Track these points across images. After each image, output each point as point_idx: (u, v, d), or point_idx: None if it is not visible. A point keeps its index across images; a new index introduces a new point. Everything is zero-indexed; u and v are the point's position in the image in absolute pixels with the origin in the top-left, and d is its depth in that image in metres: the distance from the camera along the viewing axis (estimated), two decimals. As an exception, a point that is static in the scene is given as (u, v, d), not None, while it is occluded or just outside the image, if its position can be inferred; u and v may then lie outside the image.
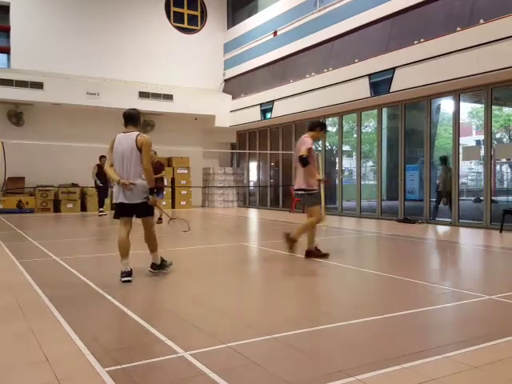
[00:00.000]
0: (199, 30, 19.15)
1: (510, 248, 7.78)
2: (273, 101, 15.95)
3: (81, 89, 15.67)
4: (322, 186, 9.07)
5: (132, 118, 5.37)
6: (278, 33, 16.42)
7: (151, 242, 5.49)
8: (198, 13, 19.12)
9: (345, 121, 14.68)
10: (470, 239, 9.32)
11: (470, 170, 14.03)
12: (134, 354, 3.07)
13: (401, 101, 12.16)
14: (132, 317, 3.87)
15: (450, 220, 11.23)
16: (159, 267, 5.55)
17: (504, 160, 12.09)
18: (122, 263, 5.22)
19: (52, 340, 3.34)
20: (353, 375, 2.69)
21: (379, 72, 11.85)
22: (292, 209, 15.70)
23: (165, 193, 13.70)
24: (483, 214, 10.56)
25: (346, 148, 15.16)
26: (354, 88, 12.61)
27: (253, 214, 15.52)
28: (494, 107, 10.93)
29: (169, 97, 17.14)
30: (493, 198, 10.76)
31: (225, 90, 19.17)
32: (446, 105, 12.24)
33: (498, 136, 13.46)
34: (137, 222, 5.50)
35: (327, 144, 15.81)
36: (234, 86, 18.78)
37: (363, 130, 14.10)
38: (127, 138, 5.24)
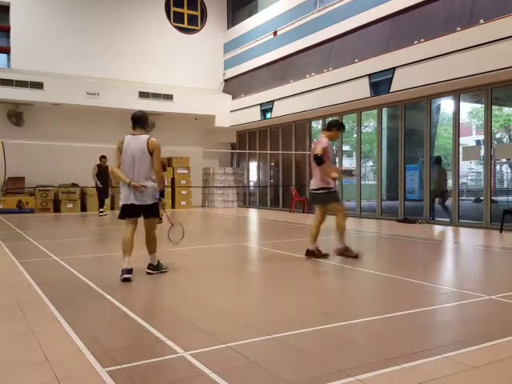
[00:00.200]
0: (199, 30, 19.16)
1: (510, 248, 7.78)
2: (273, 101, 15.95)
3: (81, 89, 15.67)
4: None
5: (140, 121, 5.52)
6: (278, 33, 16.42)
7: (151, 244, 5.54)
8: (198, 13, 19.13)
9: (345, 121, 14.65)
10: (470, 239, 9.32)
11: (469, 170, 14.02)
12: (134, 354, 3.07)
13: (401, 101, 12.16)
14: (132, 317, 3.87)
15: (450, 220, 11.23)
16: (156, 268, 5.57)
17: (504, 160, 12.09)
18: (123, 260, 5.27)
19: (52, 340, 3.34)
20: (353, 375, 2.69)
21: (379, 72, 11.85)
22: (292, 209, 15.70)
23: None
24: (483, 214, 10.56)
25: (345, 148, 15.15)
26: (353, 88, 12.61)
27: (253, 214, 15.52)
28: (494, 107, 10.94)
29: (169, 97, 17.14)
30: (493, 197, 10.76)
31: (225, 90, 19.17)
32: (446, 105, 12.24)
33: (498, 136, 13.45)
34: (138, 222, 5.51)
35: (327, 144, 15.77)
36: (234, 86, 18.78)
37: (363, 130, 14.10)
38: (137, 141, 5.37)
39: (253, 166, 19.24)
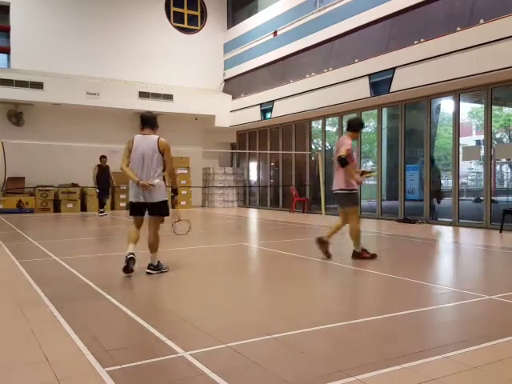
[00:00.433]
0: (199, 30, 19.16)
1: (510, 248, 7.78)
2: (273, 101, 15.95)
3: (81, 89, 15.67)
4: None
5: (149, 121, 5.61)
6: (278, 33, 16.42)
7: (154, 243, 5.59)
8: (198, 13, 19.13)
9: (345, 121, 14.65)
10: (470, 239, 9.32)
11: (469, 170, 14.01)
12: (134, 354, 3.08)
13: (401, 101, 12.16)
14: (132, 317, 3.87)
15: (450, 220, 11.24)
16: (156, 268, 5.59)
17: (504, 160, 12.08)
18: (128, 247, 5.43)
19: (52, 340, 3.34)
20: (353, 375, 2.69)
21: (379, 72, 11.85)
22: (292, 209, 15.71)
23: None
24: (483, 214, 10.56)
25: (346, 148, 15.11)
26: (353, 88, 12.61)
27: (253, 214, 15.52)
28: (494, 107, 10.93)
29: (169, 97, 17.14)
30: (493, 197, 10.76)
31: (225, 90, 19.17)
32: (446, 105, 12.24)
33: (498, 136, 13.44)
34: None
35: (327, 144, 15.80)
36: (234, 86, 18.78)
37: (363, 130, 14.08)
38: (147, 140, 5.49)
39: (253, 166, 19.24)
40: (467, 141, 13.05)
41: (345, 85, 12.91)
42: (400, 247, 8.15)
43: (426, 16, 11.33)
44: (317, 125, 15.95)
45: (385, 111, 13.26)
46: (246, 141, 19.01)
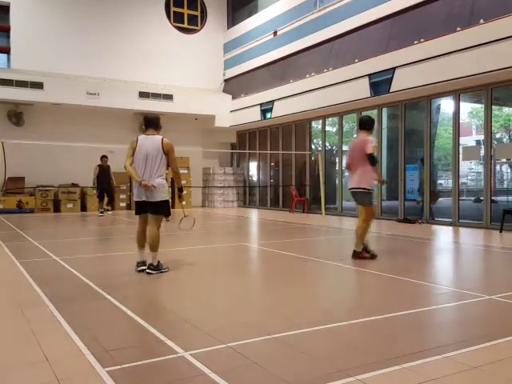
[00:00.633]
0: (199, 30, 19.16)
1: (510, 248, 7.78)
2: (273, 101, 15.95)
3: (81, 89, 15.67)
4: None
5: (152, 122, 5.77)
6: (278, 33, 16.42)
7: (154, 242, 5.65)
8: (198, 13, 19.13)
9: (345, 121, 14.67)
10: (470, 239, 9.32)
11: (469, 170, 14.01)
12: (133, 354, 3.08)
13: (401, 101, 12.16)
14: (132, 317, 3.87)
15: (450, 220, 11.24)
16: (156, 268, 5.60)
17: (504, 160, 12.09)
18: (138, 254, 5.74)
19: (52, 340, 3.34)
20: (353, 375, 2.69)
21: (379, 72, 11.84)
22: (292, 209, 15.71)
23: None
24: (483, 214, 10.56)
25: (345, 148, 15.13)
26: (353, 88, 12.61)
27: (253, 214, 15.52)
28: (494, 107, 10.93)
29: (169, 97, 17.14)
30: (493, 197, 10.76)
31: (225, 90, 19.17)
32: (446, 105, 12.24)
33: (498, 136, 13.44)
34: (136, 222, 5.55)
35: (327, 144, 15.80)
36: (234, 86, 18.78)
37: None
38: (151, 141, 5.62)
39: (253, 166, 19.24)
40: (467, 141, 13.04)
41: (345, 85, 12.90)
42: (400, 247, 8.15)
43: (425, 16, 11.32)
44: (317, 125, 15.95)
45: (385, 111, 13.26)
46: (246, 141, 19.01)
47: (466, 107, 13.01)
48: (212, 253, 7.52)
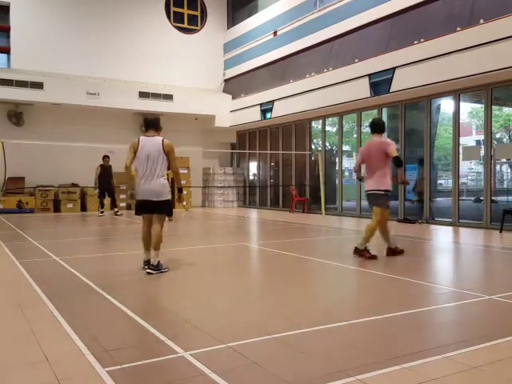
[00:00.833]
0: (199, 30, 19.16)
1: (510, 248, 7.78)
2: (273, 101, 15.95)
3: (81, 89, 15.67)
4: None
5: (153, 124, 5.86)
6: (278, 33, 16.42)
7: (156, 240, 5.73)
8: (198, 13, 19.13)
9: (345, 121, 14.67)
10: (470, 239, 9.32)
11: (469, 170, 14.02)
12: (133, 354, 3.08)
13: (401, 101, 12.16)
14: (132, 317, 3.87)
15: (450, 220, 11.24)
16: (156, 268, 5.62)
17: (504, 160, 12.09)
18: (144, 254, 5.80)
19: (52, 340, 3.34)
20: (353, 375, 2.69)
21: (379, 72, 11.84)
22: (292, 209, 15.71)
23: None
24: (483, 214, 10.56)
25: (345, 148, 15.16)
26: (353, 88, 12.61)
27: (253, 214, 15.52)
28: (494, 107, 10.93)
29: (169, 97, 17.14)
30: (493, 197, 10.76)
31: (225, 90, 19.17)
32: (446, 105, 12.24)
33: (498, 136, 13.44)
34: (135, 222, 5.54)
35: (327, 144, 15.81)
36: (234, 86, 18.78)
37: (363, 130, 14.08)
38: (152, 142, 5.71)
39: (253, 166, 19.24)
40: (467, 141, 13.05)
41: (345, 85, 12.90)
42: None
43: (425, 16, 11.32)
44: (317, 125, 15.95)
45: (385, 111, 13.26)
46: (246, 141, 19.01)
47: (466, 107, 13.01)
48: (212, 253, 7.52)
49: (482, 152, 10.87)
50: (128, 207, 16.30)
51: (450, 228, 10.73)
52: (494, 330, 3.54)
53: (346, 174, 15.44)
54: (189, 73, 18.36)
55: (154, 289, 5.12)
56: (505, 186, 13.50)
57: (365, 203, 13.79)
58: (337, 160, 14.84)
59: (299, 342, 3.27)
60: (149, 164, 5.64)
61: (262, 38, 17.21)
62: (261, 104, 16.58)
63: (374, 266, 6.18)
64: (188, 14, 18.91)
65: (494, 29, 9.28)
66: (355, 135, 14.08)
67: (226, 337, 3.33)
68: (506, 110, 13.14)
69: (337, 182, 14.88)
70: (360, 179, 7.22)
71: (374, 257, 6.54)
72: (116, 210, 14.38)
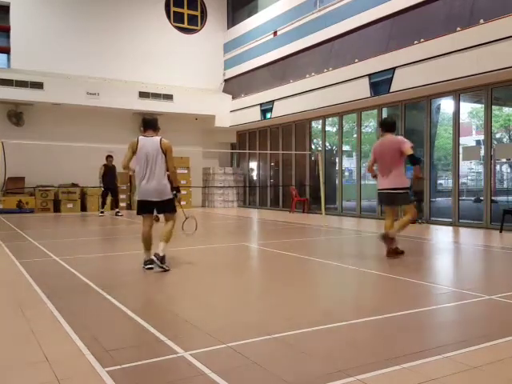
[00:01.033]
0: (199, 30, 19.16)
1: (510, 248, 7.78)
2: (273, 101, 15.95)
3: (81, 89, 15.68)
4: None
5: (151, 124, 5.91)
6: (278, 33, 16.42)
7: (167, 234, 5.87)
8: (198, 13, 19.13)
9: (345, 121, 14.67)
10: (470, 239, 9.32)
11: (469, 170, 14.02)
12: (133, 354, 3.07)
13: (401, 101, 12.16)
14: (132, 317, 3.87)
15: (450, 220, 11.24)
16: (161, 259, 5.70)
17: (504, 160, 12.09)
18: (145, 254, 5.84)
19: (52, 340, 3.34)
20: (353, 375, 2.69)
21: (379, 72, 11.84)
22: (292, 209, 15.71)
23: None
24: (483, 214, 10.56)
25: (345, 148, 15.15)
26: (353, 88, 12.61)
27: (253, 214, 15.52)
28: (494, 107, 10.93)
29: (169, 97, 17.15)
30: (493, 197, 10.76)
31: (225, 90, 19.17)
32: (446, 105, 12.24)
33: (498, 136, 13.45)
34: (135, 222, 5.54)
35: (327, 144, 15.81)
36: (234, 86, 18.78)
37: (363, 130, 14.09)
38: (151, 142, 5.76)
39: (253, 165, 19.24)
40: (467, 141, 13.05)
41: (345, 85, 12.91)
42: (400, 247, 8.13)
43: (426, 16, 11.32)
44: (317, 125, 15.95)
45: (385, 111, 13.25)
46: (246, 141, 19.01)
47: (466, 107, 13.02)
48: (212, 253, 7.52)
49: (482, 152, 10.88)
50: (128, 207, 16.32)
51: (450, 228, 10.73)
52: (494, 330, 3.54)
53: (346, 174, 15.45)
54: (189, 73, 18.36)
55: (154, 289, 5.12)
56: (505, 186, 13.51)
57: (365, 203, 13.87)
58: (337, 160, 14.84)
59: (299, 342, 3.27)
60: (148, 164, 5.69)
61: (262, 38, 17.21)
62: (261, 104, 16.58)
63: (374, 265, 6.18)
64: (188, 14, 18.92)
65: (494, 29, 9.28)
66: (355, 135, 14.08)
67: (225, 337, 3.33)
68: (506, 109, 13.15)
69: (337, 182, 14.88)
70: (375, 177, 7.18)
71: (402, 252, 6.59)
72: (117, 210, 14.38)
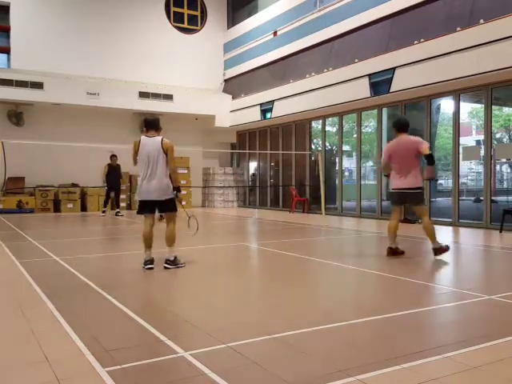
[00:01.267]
0: (199, 30, 19.16)
1: (510, 248, 7.78)
2: (273, 101, 15.95)
3: (81, 89, 15.67)
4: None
5: (153, 124, 5.96)
6: (278, 33, 16.42)
7: (171, 237, 5.89)
8: (198, 13, 19.13)
9: (345, 121, 14.67)
10: (469, 239, 9.32)
11: (469, 170, 14.02)
12: (134, 354, 3.07)
13: (401, 101, 12.16)
14: (132, 317, 3.87)
15: (450, 220, 11.24)
16: (173, 263, 5.81)
17: (504, 160, 12.09)
18: (145, 253, 5.83)
19: (52, 340, 3.34)
20: (353, 375, 2.69)
21: (379, 72, 11.84)
22: (292, 209, 15.71)
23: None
24: (483, 214, 10.56)
25: (345, 148, 15.16)
26: (353, 88, 12.61)
27: (253, 214, 15.52)
28: (494, 107, 10.93)
29: (169, 97, 17.15)
30: (493, 197, 10.76)
31: (225, 90, 19.17)
32: (446, 105, 12.24)
33: (498, 136, 13.45)
34: (136, 222, 5.53)
35: (327, 144, 15.81)
36: (234, 86, 18.78)
37: (363, 130, 14.09)
38: (152, 142, 5.82)
39: (253, 166, 19.24)
40: (467, 141, 13.05)
41: (345, 85, 12.90)
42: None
43: (426, 16, 11.32)
44: (317, 125, 15.95)
45: (385, 111, 13.25)
46: (246, 141, 19.01)
47: (466, 107, 13.02)
48: (212, 253, 7.52)
49: (482, 152, 10.88)
50: (128, 207, 16.32)
51: (450, 228, 10.73)
52: (493, 330, 3.54)
53: (346, 174, 15.45)
54: (189, 73, 18.36)
55: (154, 289, 5.12)
56: (505, 186, 13.51)
57: (365, 203, 13.87)
58: (337, 160, 14.84)
59: (299, 342, 3.27)
60: (150, 164, 5.75)
61: (262, 38, 17.20)
62: (261, 104, 16.58)
63: (374, 266, 6.18)
64: (188, 14, 18.91)
65: (494, 29, 9.28)
66: (355, 135, 14.08)
67: (226, 337, 3.33)
68: (506, 109, 13.15)
69: (337, 182, 14.88)
70: (388, 176, 7.15)
71: (447, 248, 6.57)
72: (117, 210, 14.38)
